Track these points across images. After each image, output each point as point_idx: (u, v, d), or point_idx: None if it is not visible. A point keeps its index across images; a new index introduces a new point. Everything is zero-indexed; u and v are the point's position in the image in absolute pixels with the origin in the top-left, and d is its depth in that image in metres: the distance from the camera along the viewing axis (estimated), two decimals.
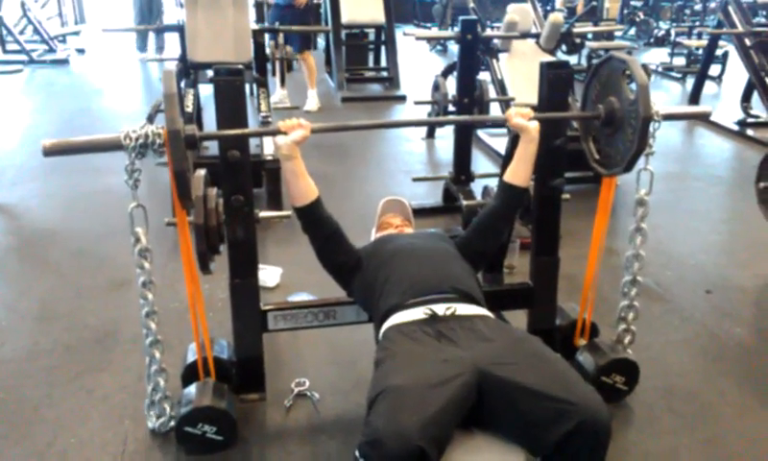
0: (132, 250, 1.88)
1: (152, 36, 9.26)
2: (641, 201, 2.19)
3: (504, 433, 1.59)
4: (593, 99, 2.07)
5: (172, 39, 4.69)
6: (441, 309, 1.78)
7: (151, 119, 5.10)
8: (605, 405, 1.51)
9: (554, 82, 2.18)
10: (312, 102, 6.53)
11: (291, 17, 6.02)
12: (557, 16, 4.82)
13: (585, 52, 8.26)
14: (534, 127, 2.01)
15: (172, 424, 2.05)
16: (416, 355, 1.63)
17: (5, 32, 9.15)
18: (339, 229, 2.06)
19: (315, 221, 2.03)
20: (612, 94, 1.97)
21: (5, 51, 9.12)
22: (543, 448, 1.52)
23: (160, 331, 1.98)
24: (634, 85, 1.87)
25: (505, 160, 2.81)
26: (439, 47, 10.68)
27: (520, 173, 2.06)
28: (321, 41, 9.06)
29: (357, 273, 2.06)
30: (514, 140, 2.57)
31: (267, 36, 5.15)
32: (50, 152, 1.72)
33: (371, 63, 8.23)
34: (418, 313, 1.79)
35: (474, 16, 5.30)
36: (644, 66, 3.54)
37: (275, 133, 1.94)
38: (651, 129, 1.96)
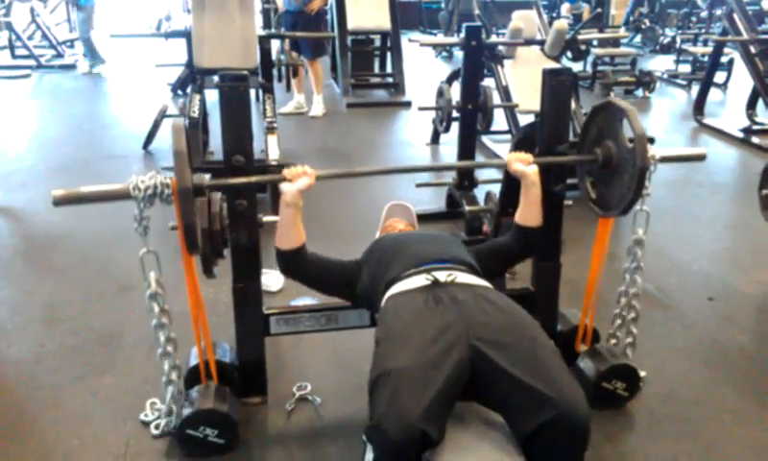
0: (144, 293, 1.91)
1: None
2: (638, 241, 2.21)
3: (496, 411, 1.65)
4: (591, 140, 2.07)
5: (177, 46, 4.73)
6: (442, 275, 1.80)
7: (157, 124, 5.15)
8: (584, 402, 1.53)
9: (556, 89, 2.19)
10: (318, 107, 6.57)
11: (303, 24, 6.06)
12: (561, 23, 4.83)
13: (590, 59, 8.29)
14: (533, 171, 2.01)
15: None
16: (412, 331, 1.65)
17: (14, 37, 9.23)
18: (320, 262, 2.06)
19: (295, 267, 2.03)
20: (610, 139, 1.97)
21: (14, 56, 9.20)
22: (521, 434, 1.56)
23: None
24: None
25: (502, 196, 2.84)
26: (444, 53, 10.70)
27: (529, 215, 2.05)
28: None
29: (357, 278, 2.07)
30: (507, 175, 2.59)
31: (278, 42, 5.19)
32: (60, 202, 1.76)
33: (376, 69, 8.26)
34: (419, 280, 1.81)
35: (479, 23, 5.32)
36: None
37: (279, 180, 1.93)
38: (647, 173, 1.95)
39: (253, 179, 1.99)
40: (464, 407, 1.70)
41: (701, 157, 2.30)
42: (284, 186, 1.91)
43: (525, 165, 2.02)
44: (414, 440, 1.42)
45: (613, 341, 2.36)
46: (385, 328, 1.73)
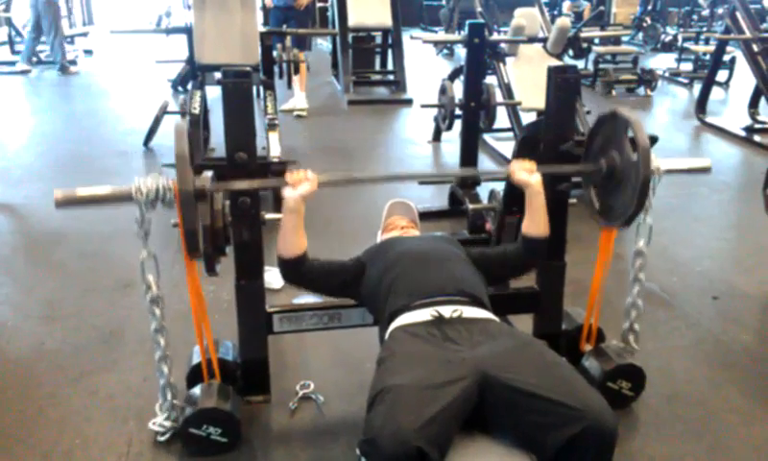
0: (144, 297, 1.90)
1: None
2: (639, 252, 2.20)
3: (507, 436, 1.58)
4: (597, 149, 2.05)
5: (179, 42, 4.71)
6: (447, 311, 1.78)
7: (158, 121, 5.13)
8: (611, 411, 1.51)
9: (561, 86, 2.18)
10: (301, 104, 6.50)
11: (292, 19, 6.04)
12: (564, 21, 4.82)
13: (591, 57, 8.27)
14: (536, 181, 1.99)
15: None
16: (418, 356, 1.63)
17: (14, 32, 9.20)
18: (322, 267, 2.04)
19: (298, 273, 2.02)
20: (615, 149, 1.96)
21: (14, 52, 9.17)
22: (546, 451, 1.51)
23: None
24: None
25: (506, 194, 2.83)
26: (445, 51, 10.68)
27: (535, 225, 2.03)
28: (328, 44, 9.08)
29: (362, 280, 2.06)
30: (509, 183, 2.57)
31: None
32: (61, 204, 1.75)
33: (377, 67, 8.24)
34: (424, 314, 1.79)
35: (482, 20, 5.30)
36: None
37: (281, 184, 1.91)
38: (651, 184, 1.95)
39: (255, 184, 1.95)
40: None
41: (705, 170, 2.29)
42: (286, 192, 1.89)
43: (529, 174, 1.99)
44: (409, 456, 1.37)
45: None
46: (388, 352, 1.70)
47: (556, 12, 10.85)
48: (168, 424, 2.04)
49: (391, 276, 1.95)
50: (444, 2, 11.28)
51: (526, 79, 4.84)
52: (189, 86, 4.61)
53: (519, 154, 2.41)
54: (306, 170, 1.90)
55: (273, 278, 3.00)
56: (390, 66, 7.92)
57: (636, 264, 2.22)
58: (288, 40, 5.25)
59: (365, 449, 1.43)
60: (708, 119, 6.42)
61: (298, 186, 1.87)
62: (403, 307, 1.84)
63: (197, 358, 2.15)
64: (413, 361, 1.61)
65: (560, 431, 1.47)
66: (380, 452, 1.38)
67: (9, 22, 9.10)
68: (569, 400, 1.49)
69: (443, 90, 3.88)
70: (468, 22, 3.85)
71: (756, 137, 5.89)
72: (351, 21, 7.40)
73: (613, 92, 7.75)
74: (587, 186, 2.13)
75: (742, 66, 7.06)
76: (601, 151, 2.02)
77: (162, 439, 2.04)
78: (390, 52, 7.86)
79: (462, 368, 1.57)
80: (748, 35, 5.78)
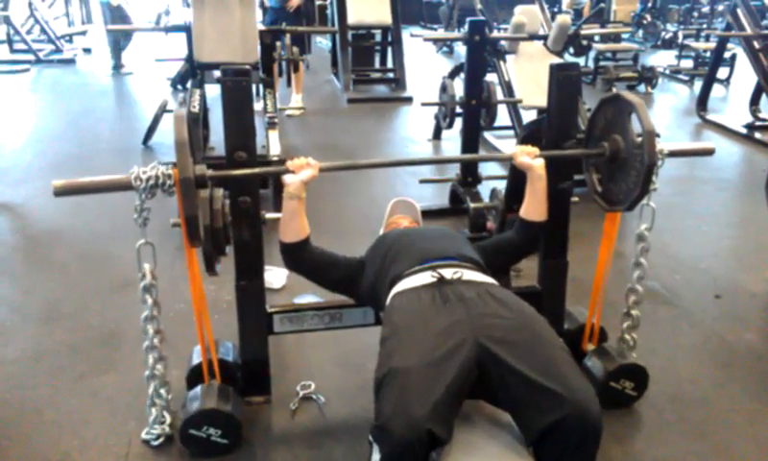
0: (138, 284, 1.90)
1: None
2: (641, 236, 2.18)
3: (504, 409, 1.63)
4: (599, 133, 2.05)
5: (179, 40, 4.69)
6: (448, 273, 1.78)
7: (157, 119, 5.11)
8: (596, 401, 1.51)
9: (564, 83, 2.16)
10: (295, 105, 6.49)
11: (283, 20, 6.03)
12: (565, 18, 4.80)
13: (592, 54, 8.25)
14: (539, 165, 2.00)
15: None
16: (419, 329, 1.62)
17: (12, 31, 9.18)
18: (324, 255, 2.05)
19: (300, 260, 2.02)
20: (618, 132, 1.95)
21: (12, 50, 9.16)
22: (531, 433, 1.54)
23: (165, 332, 1.97)
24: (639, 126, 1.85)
25: (508, 192, 2.82)
26: (445, 48, 10.67)
27: (534, 209, 2.04)
28: (327, 42, 9.05)
29: (361, 275, 2.05)
30: (513, 170, 2.56)
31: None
32: (60, 192, 1.73)
33: (377, 65, 8.22)
34: (425, 277, 1.79)
35: (482, 18, 5.28)
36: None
37: (283, 172, 1.91)
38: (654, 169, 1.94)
39: (257, 170, 1.95)
40: (471, 406, 1.68)
41: (709, 152, 2.27)
42: (287, 178, 1.90)
43: (531, 158, 2.01)
44: (421, 440, 1.40)
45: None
46: (391, 327, 1.70)
47: (556, 10, 10.83)
48: (157, 430, 2.03)
49: (391, 254, 1.96)
50: None
51: (527, 76, 4.82)
52: (188, 85, 4.58)
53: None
54: (308, 157, 1.91)
55: (273, 277, 2.99)
56: (390, 64, 7.91)
57: (639, 248, 2.20)
58: (288, 38, 5.24)
59: (377, 435, 1.45)
60: (710, 116, 6.41)
61: (299, 172, 1.88)
62: (403, 272, 1.84)
63: (197, 358, 2.13)
64: (414, 335, 1.61)
65: (543, 415, 1.49)
66: (392, 438, 1.40)
67: (7, 21, 9.07)
68: (555, 384, 1.49)
69: (443, 88, 3.86)
70: (468, 19, 3.83)
71: (758, 135, 5.87)
72: (351, 19, 7.38)
73: (614, 89, 7.72)
74: (587, 169, 2.12)
75: (743, 64, 7.04)
76: (603, 135, 2.01)
77: (156, 443, 2.02)
78: (390, 50, 7.84)
79: (461, 333, 1.58)
80: (749, 31, 5.76)
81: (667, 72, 8.79)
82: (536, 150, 2.03)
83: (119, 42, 8.63)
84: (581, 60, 8.03)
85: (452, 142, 5.34)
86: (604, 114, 2.02)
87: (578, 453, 1.50)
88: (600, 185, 2.08)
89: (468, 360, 1.54)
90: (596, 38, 7.81)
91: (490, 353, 1.56)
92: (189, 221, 1.68)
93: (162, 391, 2.03)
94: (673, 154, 2.09)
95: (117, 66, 8.54)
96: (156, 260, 1.90)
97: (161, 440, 2.02)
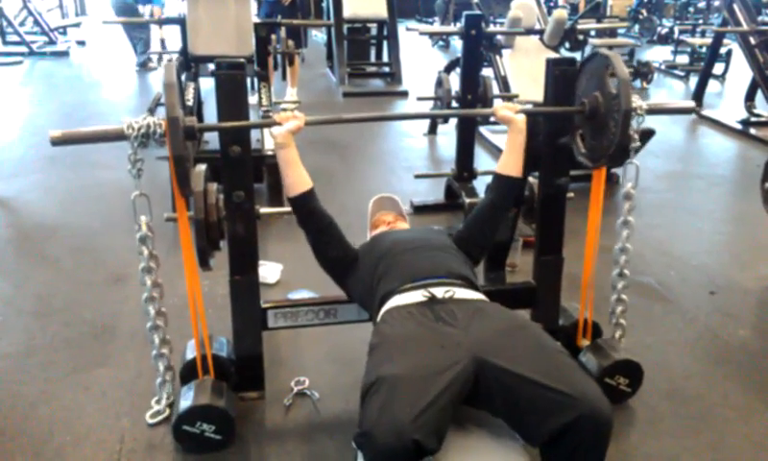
0: (135, 236, 1.90)
1: None
2: (628, 194, 2.18)
3: (499, 417, 1.59)
4: (581, 94, 2.09)
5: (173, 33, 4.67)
6: (439, 292, 1.77)
7: (152, 112, 5.08)
8: (606, 400, 1.50)
9: (560, 78, 2.15)
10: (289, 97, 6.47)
11: (277, 14, 6.00)
12: (561, 13, 4.78)
13: (588, 49, 8.24)
14: (520, 118, 2.04)
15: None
16: (411, 342, 1.61)
17: (5, 23, 9.12)
18: (333, 223, 2.07)
19: (309, 212, 2.03)
20: (597, 89, 1.99)
21: (5, 42, 9.10)
22: (538, 437, 1.51)
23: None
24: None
25: None
26: (441, 43, 10.64)
27: (512, 163, 2.08)
28: (323, 36, 9.02)
29: (352, 270, 2.06)
30: None
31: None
32: (57, 142, 1.79)
33: (372, 58, 8.19)
34: (416, 296, 1.78)
35: (478, 12, 5.26)
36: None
37: (270, 124, 1.98)
38: (635, 123, 2.02)
39: (245, 123, 1.97)
40: (465, 410, 1.64)
41: (690, 111, 2.30)
42: (274, 129, 1.96)
43: (513, 112, 2.05)
44: (406, 448, 1.34)
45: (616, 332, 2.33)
46: (380, 337, 1.68)
47: (552, 4, 10.82)
48: (163, 404, 2.07)
49: (382, 266, 1.96)
50: None
51: (523, 71, 4.81)
52: (183, 78, 4.56)
53: None
54: (293, 111, 1.99)
55: (267, 272, 2.98)
56: (385, 58, 7.89)
57: (626, 207, 2.18)
58: (283, 31, 5.21)
59: (360, 442, 1.41)
60: (705, 112, 6.40)
61: (285, 124, 1.94)
62: (395, 290, 1.84)
63: (191, 354, 2.12)
64: (405, 347, 1.59)
65: (553, 418, 1.46)
66: (376, 445, 1.36)
67: (0, 12, 9.00)
68: (564, 386, 1.47)
69: (439, 83, 3.84)
70: (464, 13, 3.81)
71: (753, 131, 5.88)
72: (346, 12, 7.36)
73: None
74: (572, 132, 2.14)
75: (738, 59, 7.04)
76: (584, 94, 2.06)
77: (153, 422, 2.05)
78: (385, 44, 7.82)
79: (456, 352, 1.55)
80: (745, 27, 5.76)
81: (663, 67, 8.79)
82: (517, 106, 2.08)
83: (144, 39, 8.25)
84: (577, 55, 8.02)
85: (448, 137, 5.33)
86: (584, 75, 2.07)
87: (591, 452, 1.49)
88: (584, 147, 2.10)
89: (463, 372, 1.51)
90: (592, 33, 7.79)
91: (487, 364, 1.54)
92: (179, 162, 1.70)
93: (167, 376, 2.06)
94: (652, 110, 2.08)
95: (143, 63, 8.16)
96: (152, 212, 1.90)
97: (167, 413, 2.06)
